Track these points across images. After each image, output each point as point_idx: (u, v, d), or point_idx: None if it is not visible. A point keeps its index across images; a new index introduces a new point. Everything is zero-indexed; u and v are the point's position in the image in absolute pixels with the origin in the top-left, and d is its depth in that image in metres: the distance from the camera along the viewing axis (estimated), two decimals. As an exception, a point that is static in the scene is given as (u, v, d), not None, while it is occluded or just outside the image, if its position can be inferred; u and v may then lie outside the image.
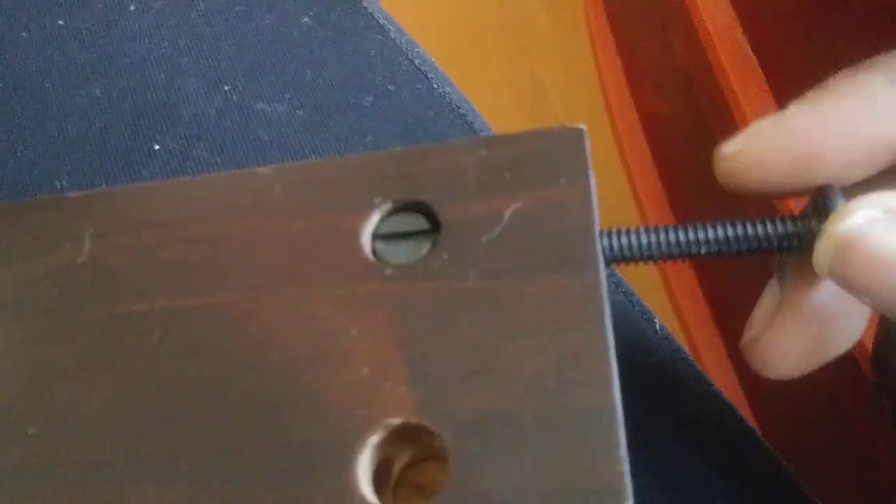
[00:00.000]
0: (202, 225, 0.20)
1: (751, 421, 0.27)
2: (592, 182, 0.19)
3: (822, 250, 0.18)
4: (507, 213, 0.19)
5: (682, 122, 0.76)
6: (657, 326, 0.27)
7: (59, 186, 0.27)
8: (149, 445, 0.18)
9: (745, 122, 0.63)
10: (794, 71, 0.60)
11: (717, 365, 0.70)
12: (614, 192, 0.80)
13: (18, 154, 0.27)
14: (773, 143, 0.20)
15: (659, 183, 0.78)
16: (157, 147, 0.27)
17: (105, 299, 0.20)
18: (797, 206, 0.22)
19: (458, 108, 0.30)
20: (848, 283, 0.18)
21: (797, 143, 0.19)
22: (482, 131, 0.30)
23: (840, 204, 0.19)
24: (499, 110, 0.87)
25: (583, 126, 0.19)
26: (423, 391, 0.18)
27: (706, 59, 0.68)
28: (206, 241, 0.20)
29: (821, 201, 0.20)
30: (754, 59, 0.66)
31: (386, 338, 0.18)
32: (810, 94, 0.20)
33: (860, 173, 0.20)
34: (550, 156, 0.19)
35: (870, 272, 0.17)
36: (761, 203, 0.54)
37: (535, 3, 0.95)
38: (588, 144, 0.19)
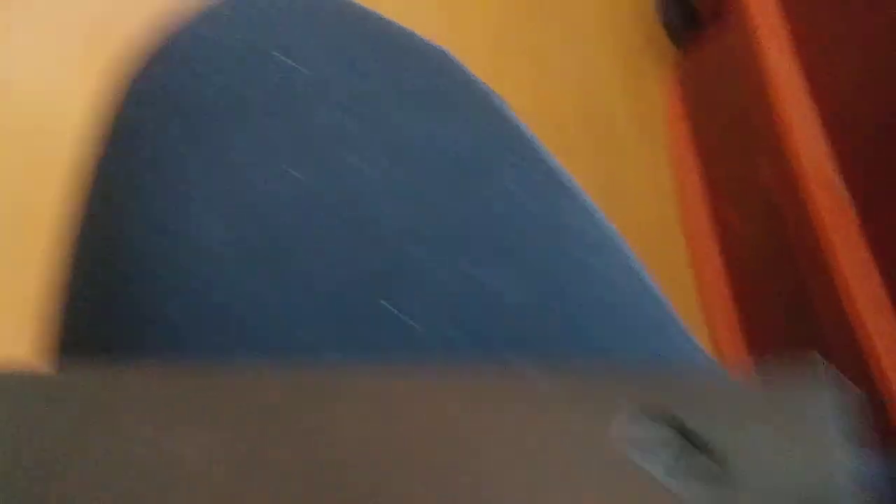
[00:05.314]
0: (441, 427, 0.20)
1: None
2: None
3: None
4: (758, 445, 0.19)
5: (760, 241, 0.76)
6: None
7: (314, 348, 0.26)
8: None
9: (832, 252, 0.63)
10: (889, 211, 0.61)
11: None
12: (680, 303, 0.81)
13: (277, 315, 0.26)
14: None
15: (730, 299, 0.79)
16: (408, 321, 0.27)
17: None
18: None
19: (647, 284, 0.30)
20: None
21: None
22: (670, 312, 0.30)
23: None
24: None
25: (857, 391, 0.20)
26: None
27: (794, 187, 0.68)
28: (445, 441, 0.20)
29: None
30: (847, 193, 0.66)
31: None
32: None
33: None
34: (810, 409, 0.20)
35: None
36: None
37: (617, 103, 0.97)
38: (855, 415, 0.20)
